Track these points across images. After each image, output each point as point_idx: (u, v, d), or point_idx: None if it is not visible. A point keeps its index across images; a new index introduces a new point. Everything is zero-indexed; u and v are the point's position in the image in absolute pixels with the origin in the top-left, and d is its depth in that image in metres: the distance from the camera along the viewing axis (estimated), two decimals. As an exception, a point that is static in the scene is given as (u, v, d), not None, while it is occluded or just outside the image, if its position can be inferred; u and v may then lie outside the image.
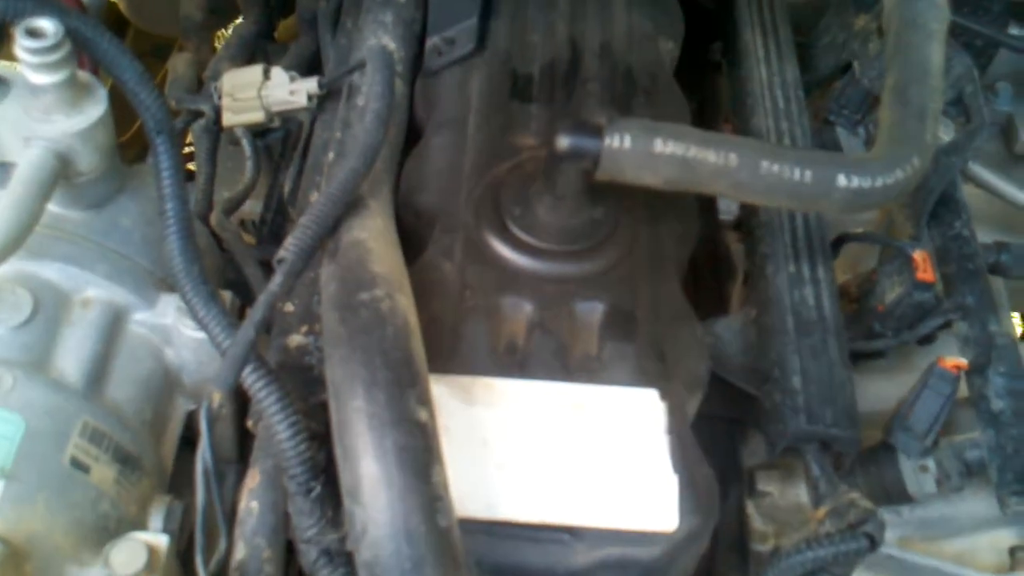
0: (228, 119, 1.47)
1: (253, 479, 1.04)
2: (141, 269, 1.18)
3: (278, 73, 1.45)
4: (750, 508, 1.33)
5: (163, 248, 1.10)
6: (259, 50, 1.74)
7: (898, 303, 1.34)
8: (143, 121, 1.12)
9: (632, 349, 1.13)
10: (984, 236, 1.51)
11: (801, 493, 1.31)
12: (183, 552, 1.05)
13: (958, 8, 1.52)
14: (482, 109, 1.36)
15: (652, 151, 1.10)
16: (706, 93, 1.78)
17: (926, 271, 1.33)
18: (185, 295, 1.07)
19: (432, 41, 1.44)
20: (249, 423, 1.10)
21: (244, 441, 1.16)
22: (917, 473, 1.29)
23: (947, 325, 1.39)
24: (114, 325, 1.14)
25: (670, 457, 1.03)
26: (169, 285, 1.16)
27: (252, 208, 1.58)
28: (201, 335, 1.11)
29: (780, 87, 1.49)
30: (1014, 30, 1.71)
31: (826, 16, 1.67)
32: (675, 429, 1.06)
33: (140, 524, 1.06)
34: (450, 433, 1.00)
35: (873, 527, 1.08)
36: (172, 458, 1.18)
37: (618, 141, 1.10)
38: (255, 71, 1.46)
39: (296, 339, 1.14)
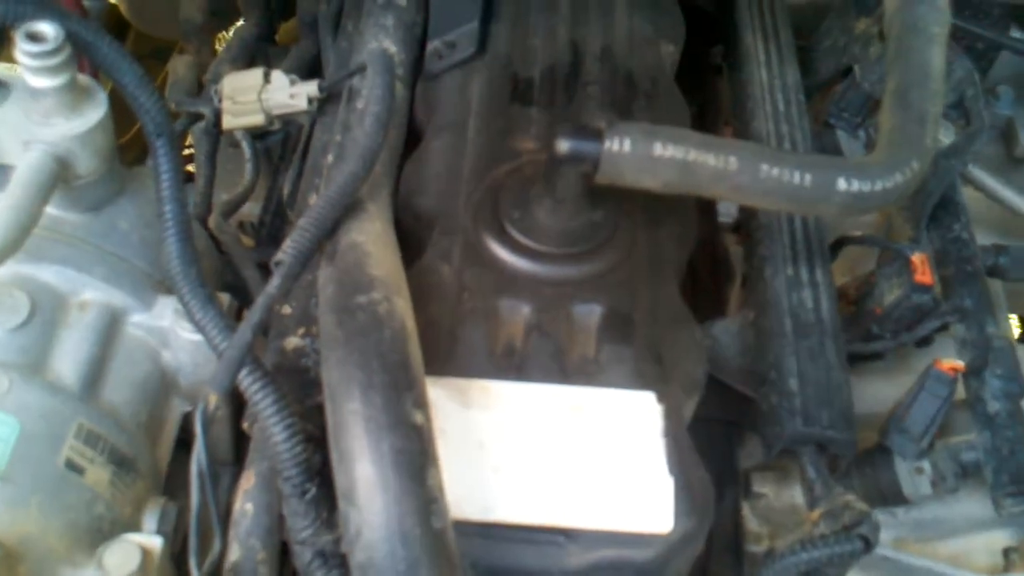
0: (228, 122, 1.47)
1: (248, 481, 1.04)
2: (139, 271, 1.18)
3: (278, 76, 1.45)
4: (745, 509, 1.33)
5: (161, 251, 1.10)
6: (260, 53, 1.74)
7: (896, 305, 1.34)
8: (142, 124, 1.12)
9: (630, 352, 1.13)
10: (983, 239, 1.51)
11: (796, 495, 1.31)
12: (177, 554, 1.06)
13: (959, 11, 1.52)
14: (482, 112, 1.36)
15: (652, 155, 1.10)
16: (707, 96, 1.78)
17: (924, 274, 1.33)
18: (182, 297, 1.07)
19: (433, 44, 1.44)
20: (245, 425, 1.10)
21: (240, 443, 1.16)
22: (913, 475, 1.29)
23: (945, 327, 1.40)
24: (111, 327, 1.15)
25: (666, 459, 1.03)
26: (167, 287, 1.16)
27: (251, 210, 1.58)
28: (198, 337, 1.11)
29: (781, 90, 1.49)
30: (1015, 33, 1.71)
31: (827, 19, 1.67)
32: (671, 431, 1.06)
33: (134, 526, 1.06)
34: (446, 436, 1.00)
35: (868, 529, 1.08)
36: (167, 460, 1.18)
37: (618, 145, 1.10)
38: (255, 74, 1.46)
39: (293, 341, 1.14)
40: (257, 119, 1.45)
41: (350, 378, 0.92)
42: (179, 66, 1.69)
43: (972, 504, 1.37)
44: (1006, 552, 1.36)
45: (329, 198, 1.08)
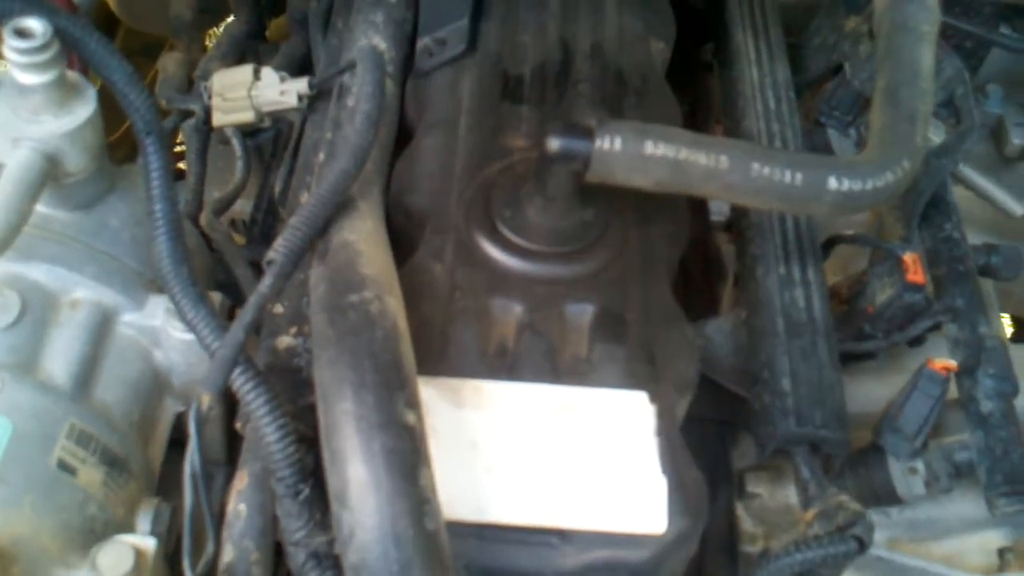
0: (218, 119, 1.46)
1: (241, 481, 1.04)
2: (130, 270, 1.17)
3: (268, 73, 1.45)
4: (739, 509, 1.33)
5: (152, 249, 1.10)
6: (250, 50, 1.74)
7: (888, 305, 1.34)
8: (132, 122, 1.11)
9: (622, 351, 1.13)
10: (974, 238, 1.52)
11: (791, 495, 1.31)
12: (171, 555, 1.05)
13: (949, 9, 1.52)
14: (473, 110, 1.36)
15: (642, 153, 1.10)
16: (697, 94, 1.78)
17: (916, 273, 1.33)
18: (173, 296, 1.06)
19: (423, 42, 1.44)
20: (238, 425, 1.10)
21: (233, 443, 1.16)
22: (906, 475, 1.29)
23: (937, 327, 1.40)
24: (102, 326, 1.14)
25: (659, 459, 1.03)
26: (158, 286, 1.16)
27: (243, 208, 1.57)
28: (190, 337, 1.10)
29: (771, 88, 1.49)
30: (1004, 31, 1.71)
31: (817, 17, 1.67)
32: (664, 431, 1.05)
33: (127, 526, 1.06)
34: (439, 436, 0.99)
35: (861, 530, 1.08)
36: (160, 460, 1.18)
37: (608, 143, 1.10)
38: (245, 71, 1.46)
39: (285, 341, 1.14)
40: (247, 116, 1.45)
41: (342, 378, 0.92)
42: (169, 63, 1.68)
43: (966, 504, 1.37)
44: (1001, 552, 1.36)
45: (320, 196, 1.08)
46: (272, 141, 1.59)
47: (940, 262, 1.45)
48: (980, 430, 1.32)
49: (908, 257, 1.34)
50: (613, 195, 1.19)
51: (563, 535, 1.00)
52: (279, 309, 1.17)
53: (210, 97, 1.47)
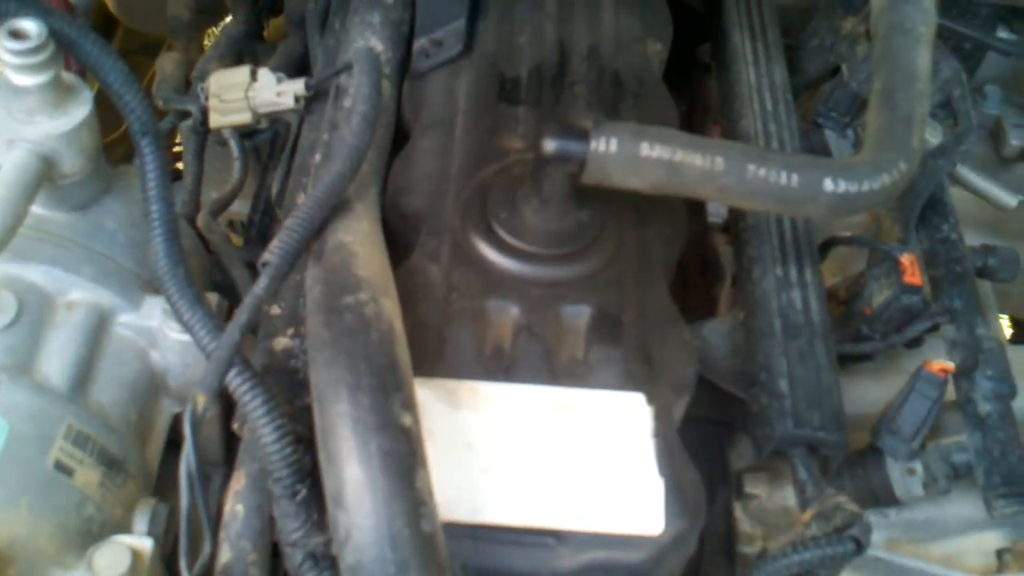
0: (215, 120, 1.46)
1: (238, 482, 1.04)
2: (126, 271, 1.17)
3: (265, 74, 1.44)
4: (737, 511, 1.34)
5: (148, 250, 1.09)
6: (247, 50, 1.74)
7: (886, 306, 1.34)
8: (128, 123, 1.12)
9: (619, 353, 1.12)
10: (972, 239, 1.51)
11: (788, 496, 1.31)
12: (168, 555, 1.05)
13: (946, 11, 1.52)
14: (469, 111, 1.36)
15: (638, 155, 1.10)
16: (695, 95, 1.78)
17: (914, 274, 1.33)
18: (170, 298, 1.06)
19: (420, 43, 1.44)
20: (235, 426, 1.09)
21: (230, 444, 1.16)
22: (904, 476, 1.29)
23: (935, 328, 1.39)
24: (99, 328, 1.14)
25: (656, 461, 1.03)
26: (155, 287, 1.16)
27: (240, 209, 1.57)
28: (186, 338, 1.10)
29: (768, 89, 1.49)
30: (1002, 34, 1.71)
31: (814, 19, 1.67)
32: (662, 432, 1.05)
33: (125, 527, 1.06)
34: (435, 437, 0.99)
35: (859, 531, 1.08)
36: (157, 461, 1.18)
37: (604, 145, 1.10)
38: (242, 72, 1.45)
39: (282, 342, 1.14)
40: (244, 117, 1.45)
41: (337, 379, 0.92)
42: (167, 63, 1.68)
43: (964, 505, 1.37)
44: (999, 553, 1.36)
45: (316, 198, 1.08)
46: (269, 142, 1.59)
47: (938, 263, 1.45)
48: (978, 431, 1.32)
49: (905, 259, 1.34)
50: (610, 196, 1.19)
51: (560, 536, 1.00)
52: (276, 310, 1.17)
53: (207, 98, 1.47)
